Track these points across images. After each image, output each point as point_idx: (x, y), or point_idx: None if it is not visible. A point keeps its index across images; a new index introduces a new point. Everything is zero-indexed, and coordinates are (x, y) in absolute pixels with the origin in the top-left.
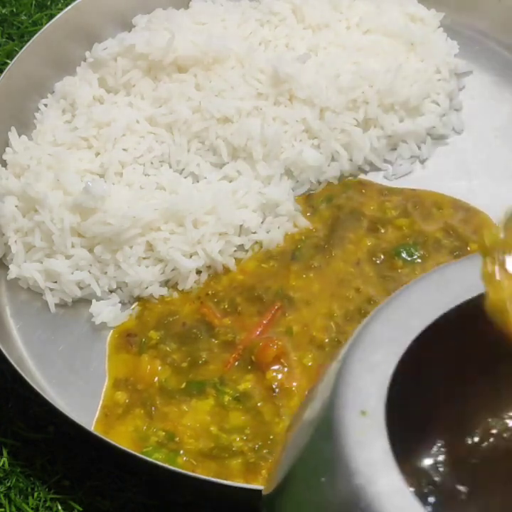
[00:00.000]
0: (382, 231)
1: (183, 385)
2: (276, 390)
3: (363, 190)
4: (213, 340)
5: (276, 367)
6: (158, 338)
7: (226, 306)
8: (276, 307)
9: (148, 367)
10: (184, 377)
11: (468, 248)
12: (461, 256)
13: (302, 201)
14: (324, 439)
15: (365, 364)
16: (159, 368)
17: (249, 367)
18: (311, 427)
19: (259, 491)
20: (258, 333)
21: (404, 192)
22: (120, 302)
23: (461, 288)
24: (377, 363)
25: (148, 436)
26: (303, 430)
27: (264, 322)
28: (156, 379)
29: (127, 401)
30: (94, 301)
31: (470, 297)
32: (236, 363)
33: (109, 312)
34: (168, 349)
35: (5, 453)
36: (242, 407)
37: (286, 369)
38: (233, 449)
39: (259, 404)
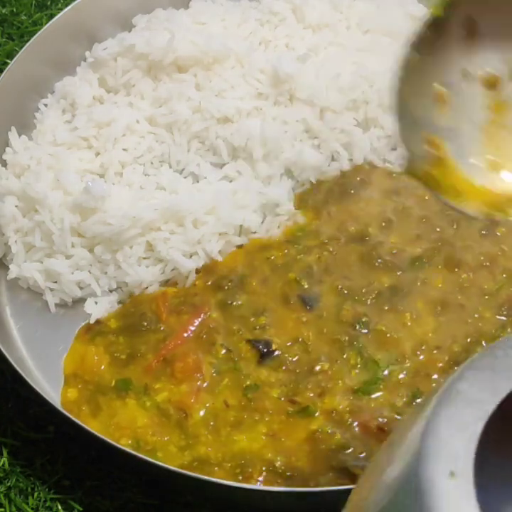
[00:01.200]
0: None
1: (113, 383)
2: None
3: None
4: (152, 335)
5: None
6: (115, 326)
7: (182, 304)
8: (205, 312)
9: (96, 357)
10: (119, 370)
11: None
12: None
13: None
14: (410, 499)
15: (453, 423)
16: (96, 357)
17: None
18: (393, 486)
19: (258, 491)
20: (183, 338)
21: None
22: (119, 302)
23: None
24: (466, 423)
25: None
26: (384, 489)
27: (190, 328)
28: (103, 367)
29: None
30: (88, 299)
31: None
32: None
33: (101, 309)
34: (112, 338)
35: (5, 453)
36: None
37: (199, 383)
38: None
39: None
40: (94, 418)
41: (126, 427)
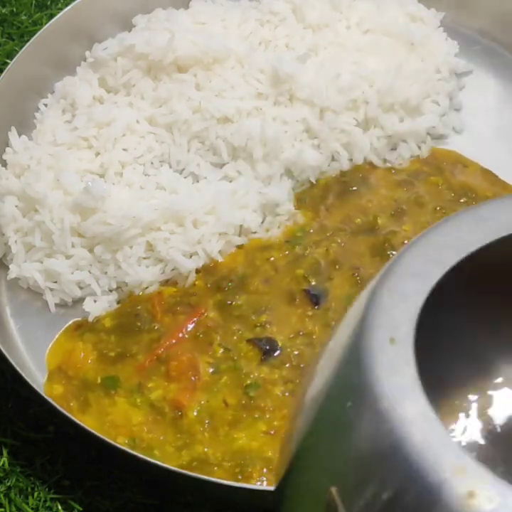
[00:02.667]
0: None
1: (99, 380)
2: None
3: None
4: (146, 334)
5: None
6: (109, 325)
7: (178, 303)
8: (202, 312)
9: (82, 354)
10: (105, 368)
11: None
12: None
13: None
14: (352, 365)
15: (396, 293)
16: (82, 354)
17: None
18: (339, 353)
19: (258, 491)
20: (178, 337)
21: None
22: (118, 302)
23: (497, 225)
24: (409, 293)
25: None
26: (330, 357)
27: (184, 328)
28: (89, 362)
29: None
30: (87, 298)
31: (506, 234)
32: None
33: (99, 308)
34: (103, 336)
35: (5, 453)
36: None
37: (194, 380)
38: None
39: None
40: (84, 414)
41: (121, 425)
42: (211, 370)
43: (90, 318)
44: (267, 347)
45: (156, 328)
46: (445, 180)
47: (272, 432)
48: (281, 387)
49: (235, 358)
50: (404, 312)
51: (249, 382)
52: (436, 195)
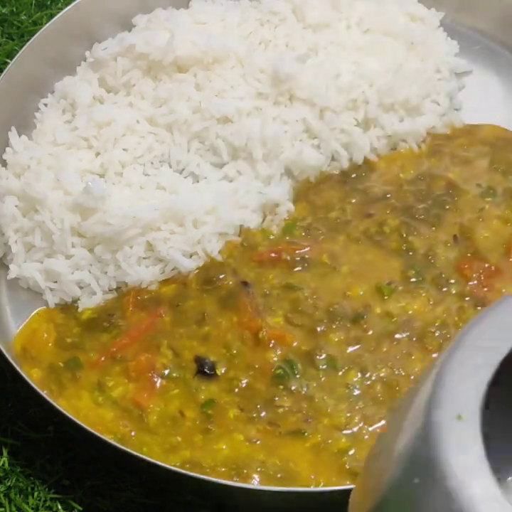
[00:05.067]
0: None
1: (62, 364)
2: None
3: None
4: (106, 334)
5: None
6: (84, 317)
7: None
8: (159, 313)
9: (45, 335)
10: (62, 353)
11: None
12: None
13: None
14: (420, 440)
15: (462, 369)
16: (45, 335)
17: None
18: (407, 427)
19: (258, 491)
20: (133, 337)
21: None
22: None
23: None
24: (475, 369)
25: None
26: (398, 433)
27: (141, 327)
28: (50, 343)
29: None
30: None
31: None
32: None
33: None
34: (72, 323)
35: (5, 453)
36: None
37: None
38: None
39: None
40: (63, 398)
41: (98, 423)
42: (166, 371)
43: (80, 308)
44: (207, 369)
45: (120, 324)
46: None
47: (255, 440)
48: (235, 410)
49: (183, 364)
50: (471, 388)
51: (202, 397)
52: None
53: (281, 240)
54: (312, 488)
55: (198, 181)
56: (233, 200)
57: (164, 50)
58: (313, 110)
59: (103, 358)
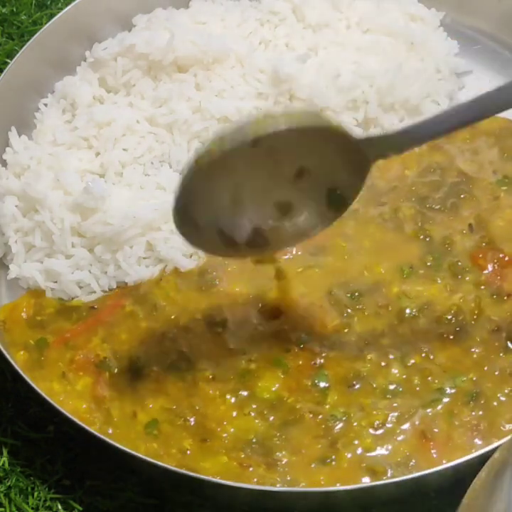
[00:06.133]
0: None
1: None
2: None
3: None
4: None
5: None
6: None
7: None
8: (122, 304)
9: (24, 310)
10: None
11: None
12: None
13: None
14: None
15: None
16: (24, 310)
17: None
18: None
19: (258, 491)
20: (80, 329)
21: None
22: None
23: None
24: None
25: None
26: None
27: (78, 328)
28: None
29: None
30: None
31: None
32: None
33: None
34: (50, 310)
35: (5, 452)
36: None
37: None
38: None
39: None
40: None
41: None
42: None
43: (84, 298)
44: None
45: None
46: None
47: (245, 466)
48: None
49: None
50: None
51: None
52: None
53: None
54: (312, 489)
55: None
56: None
57: (164, 50)
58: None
59: (57, 342)
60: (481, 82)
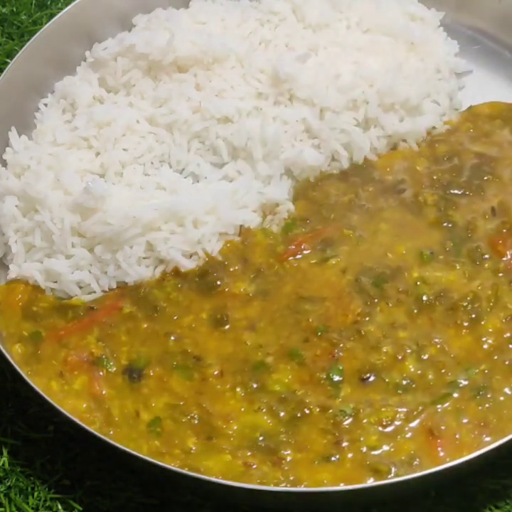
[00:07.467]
0: None
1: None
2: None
3: None
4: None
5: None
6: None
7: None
8: (119, 306)
9: (19, 296)
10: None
11: None
12: None
13: None
14: None
15: None
16: (19, 296)
17: None
18: None
19: (258, 491)
20: (78, 328)
21: None
22: None
23: None
24: None
25: None
26: None
27: (72, 326)
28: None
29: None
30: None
31: None
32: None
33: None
34: (44, 304)
35: (5, 452)
36: None
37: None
38: None
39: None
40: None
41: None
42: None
43: (84, 297)
44: (135, 376)
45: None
46: None
47: (249, 464)
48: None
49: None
50: None
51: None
52: None
53: (291, 234)
54: (312, 489)
55: (198, 181)
56: (233, 200)
57: (164, 50)
58: (313, 110)
59: (52, 338)
60: (481, 82)
